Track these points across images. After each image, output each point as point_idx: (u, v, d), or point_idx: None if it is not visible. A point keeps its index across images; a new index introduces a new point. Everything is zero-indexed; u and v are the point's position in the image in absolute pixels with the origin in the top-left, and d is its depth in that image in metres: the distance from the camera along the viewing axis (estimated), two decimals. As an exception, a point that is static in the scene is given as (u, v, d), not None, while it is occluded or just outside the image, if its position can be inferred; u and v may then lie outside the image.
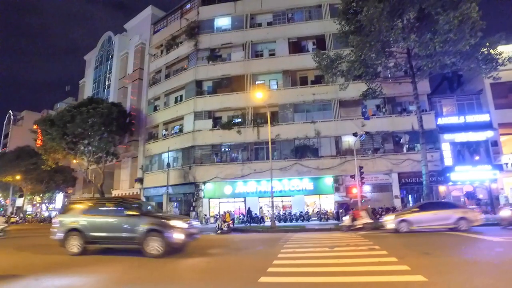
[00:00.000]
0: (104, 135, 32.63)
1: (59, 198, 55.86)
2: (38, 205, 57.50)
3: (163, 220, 9.61)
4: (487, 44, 18.34)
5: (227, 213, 21.54)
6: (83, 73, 54.84)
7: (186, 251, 10.18)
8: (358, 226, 17.03)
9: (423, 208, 15.70)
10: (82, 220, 10.22)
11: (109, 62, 46.26)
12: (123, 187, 37.97)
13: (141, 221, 9.58)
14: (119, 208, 10.23)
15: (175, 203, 31.15)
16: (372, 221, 17.75)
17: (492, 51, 18.57)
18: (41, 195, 51.45)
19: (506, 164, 23.84)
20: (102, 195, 34.60)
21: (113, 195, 38.76)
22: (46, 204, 54.59)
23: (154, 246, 9.19)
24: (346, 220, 17.74)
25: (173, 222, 9.57)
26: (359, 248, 9.81)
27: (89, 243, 10.01)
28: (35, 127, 39.35)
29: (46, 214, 52.98)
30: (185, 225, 9.82)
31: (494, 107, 25.07)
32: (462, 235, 12.22)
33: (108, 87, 45.15)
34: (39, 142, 38.68)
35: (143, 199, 33.92)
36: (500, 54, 18.79)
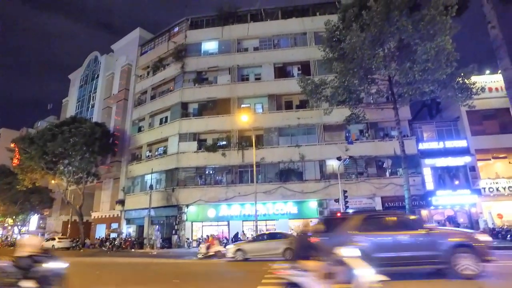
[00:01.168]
0: (86, 155, 31.90)
1: (34, 220, 53.42)
2: (9, 227, 54.75)
3: (470, 233, 8.56)
4: (462, 74, 19.28)
5: (211, 236, 21.10)
6: (67, 92, 54.15)
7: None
8: (210, 254, 18.20)
9: (257, 238, 17.13)
10: (361, 239, 8.42)
11: (94, 81, 45.95)
12: (103, 209, 36.82)
13: (443, 236, 8.32)
14: (409, 222, 8.89)
15: (157, 226, 30.30)
16: (223, 249, 18.61)
17: (466, 81, 19.50)
18: (14, 217, 48.97)
19: (484, 188, 24.50)
20: (80, 217, 33.49)
21: (92, 217, 37.51)
22: (19, 226, 51.92)
23: (467, 265, 7.93)
24: (202, 247, 18.87)
25: (479, 235, 8.46)
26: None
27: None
28: (12, 145, 38.15)
29: (18, 237, 50.38)
30: (490, 239, 8.82)
31: (471, 134, 26.03)
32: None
33: (92, 106, 44.61)
34: (15, 161, 37.43)
35: (124, 221, 32.96)
36: (473, 84, 19.75)
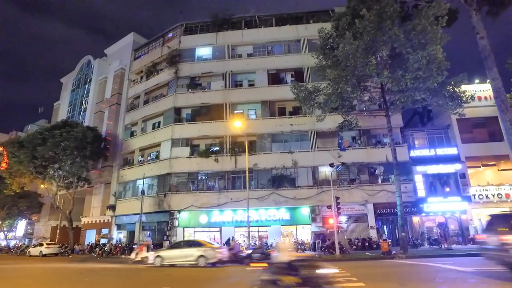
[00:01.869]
0: (77, 160, 31.49)
1: (21, 225, 52.36)
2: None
3: None
4: (452, 83, 19.65)
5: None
6: (58, 96, 53.59)
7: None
8: (137, 259, 19.38)
9: (174, 246, 18.49)
10: None
11: (87, 85, 45.57)
12: (93, 214, 36.30)
13: None
14: None
15: (148, 232, 29.97)
16: (150, 255, 19.14)
17: (457, 89, 19.86)
18: (1, 222, 47.85)
19: (474, 195, 24.84)
20: (70, 223, 32.90)
21: (82, 223, 36.95)
22: (5, 232, 50.76)
23: None
24: (133, 254, 20.30)
25: None
26: (336, 280, 9.69)
27: None
28: (1, 148, 37.47)
29: (4, 243, 49.27)
30: None
31: (461, 141, 26.46)
32: (438, 266, 12.37)
33: (84, 110, 44.19)
34: (3, 165, 36.76)
35: (115, 227, 32.53)
36: (463, 92, 20.13)
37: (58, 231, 36.72)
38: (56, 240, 35.28)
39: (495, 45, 22.77)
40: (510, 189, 24.70)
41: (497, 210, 25.24)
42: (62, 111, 49.32)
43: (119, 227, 32.67)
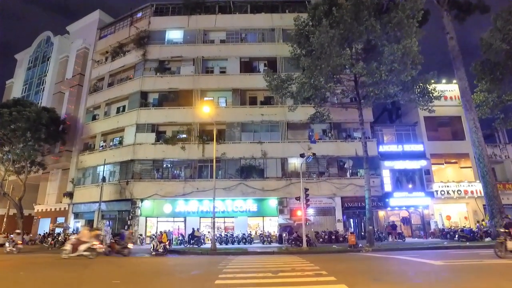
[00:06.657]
0: (30, 143, 28.93)
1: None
2: None
3: None
4: (423, 79, 19.86)
5: (164, 233, 19.81)
6: (12, 73, 49.41)
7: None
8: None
9: None
10: None
11: (46, 64, 42.22)
12: (48, 202, 33.87)
13: None
14: None
15: (108, 221, 28.30)
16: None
17: (428, 86, 20.12)
18: None
19: (436, 191, 25.54)
20: (20, 210, 30.26)
21: (35, 211, 34.40)
22: None
23: None
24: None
25: None
26: (305, 273, 9.16)
27: None
28: None
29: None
30: None
31: (427, 139, 27.11)
32: (407, 259, 12.26)
33: (42, 90, 40.96)
34: None
35: (72, 215, 30.53)
36: (434, 89, 20.44)
37: (5, 219, 33.78)
38: (2, 230, 32.47)
39: (461, 49, 23.48)
40: (469, 186, 25.65)
41: (455, 206, 26.33)
42: (16, 90, 45.43)
43: (77, 215, 30.68)
